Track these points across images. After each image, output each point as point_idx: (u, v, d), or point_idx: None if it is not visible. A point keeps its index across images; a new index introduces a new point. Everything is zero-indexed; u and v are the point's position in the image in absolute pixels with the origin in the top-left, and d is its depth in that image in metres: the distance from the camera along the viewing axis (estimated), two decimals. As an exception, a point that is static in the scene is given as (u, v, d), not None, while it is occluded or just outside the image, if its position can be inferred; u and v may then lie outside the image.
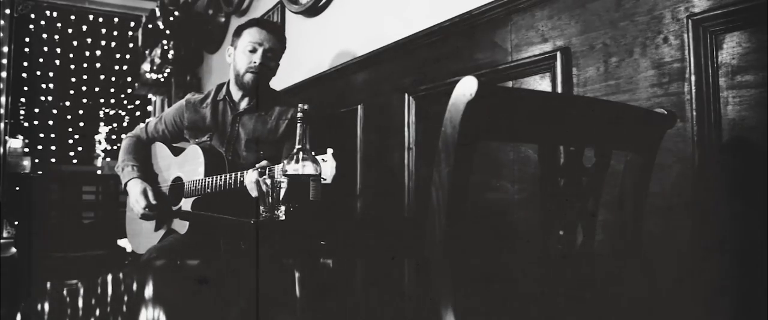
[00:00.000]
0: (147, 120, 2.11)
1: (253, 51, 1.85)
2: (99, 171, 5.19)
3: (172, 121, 2.02)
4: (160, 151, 2.03)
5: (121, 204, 2.18)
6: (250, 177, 1.52)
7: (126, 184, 1.93)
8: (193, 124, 1.96)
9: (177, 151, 1.98)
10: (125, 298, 0.70)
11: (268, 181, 1.30)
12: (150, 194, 1.87)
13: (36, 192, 4.30)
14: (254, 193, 1.48)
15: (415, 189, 1.82)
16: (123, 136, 2.12)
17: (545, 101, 0.92)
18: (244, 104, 1.92)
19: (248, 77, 1.85)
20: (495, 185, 1.50)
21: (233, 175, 1.62)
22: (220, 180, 1.67)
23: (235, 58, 1.89)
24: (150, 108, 5.70)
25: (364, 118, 2.09)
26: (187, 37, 4.20)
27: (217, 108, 1.94)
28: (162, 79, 4.53)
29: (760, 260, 0.97)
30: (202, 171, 1.77)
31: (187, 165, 1.86)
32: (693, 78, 1.10)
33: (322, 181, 1.32)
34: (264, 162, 1.61)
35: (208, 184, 1.72)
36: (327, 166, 1.32)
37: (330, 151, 1.33)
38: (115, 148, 5.32)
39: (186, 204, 1.80)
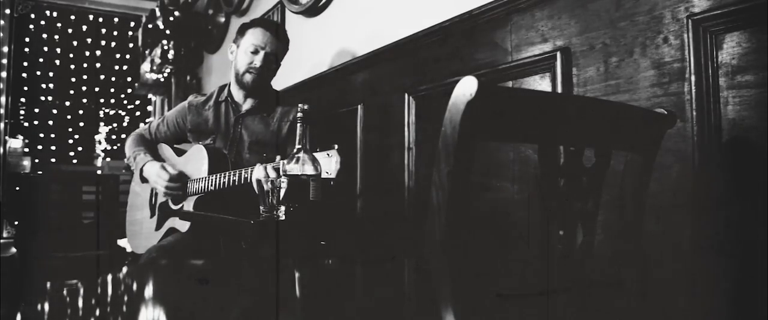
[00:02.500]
0: (148, 120, 2.10)
1: (255, 52, 1.85)
2: (99, 171, 5.18)
3: (174, 123, 2.03)
4: (165, 151, 2.04)
5: (122, 204, 2.17)
6: (257, 174, 1.50)
7: (142, 169, 1.92)
8: (195, 127, 1.96)
9: (180, 153, 1.99)
10: (125, 298, 0.69)
11: (270, 182, 1.29)
12: (169, 167, 1.84)
13: (36, 192, 4.29)
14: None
15: (415, 189, 1.82)
16: (123, 135, 2.11)
17: (545, 101, 0.92)
18: (246, 106, 1.92)
19: (248, 77, 1.86)
20: (495, 185, 1.50)
21: (238, 172, 1.61)
22: (224, 177, 1.65)
23: (237, 56, 1.90)
24: (150, 108, 5.70)
25: (364, 118, 2.09)
26: (187, 37, 4.19)
27: (220, 110, 1.95)
28: (162, 79, 4.53)
29: (760, 260, 0.97)
30: (206, 169, 1.76)
31: (190, 165, 1.86)
32: (693, 78, 1.10)
33: (327, 176, 1.31)
34: (276, 159, 1.60)
35: (212, 182, 1.71)
36: (331, 161, 1.31)
37: (335, 146, 1.33)
38: (115, 148, 5.32)
39: (189, 203, 1.80)
